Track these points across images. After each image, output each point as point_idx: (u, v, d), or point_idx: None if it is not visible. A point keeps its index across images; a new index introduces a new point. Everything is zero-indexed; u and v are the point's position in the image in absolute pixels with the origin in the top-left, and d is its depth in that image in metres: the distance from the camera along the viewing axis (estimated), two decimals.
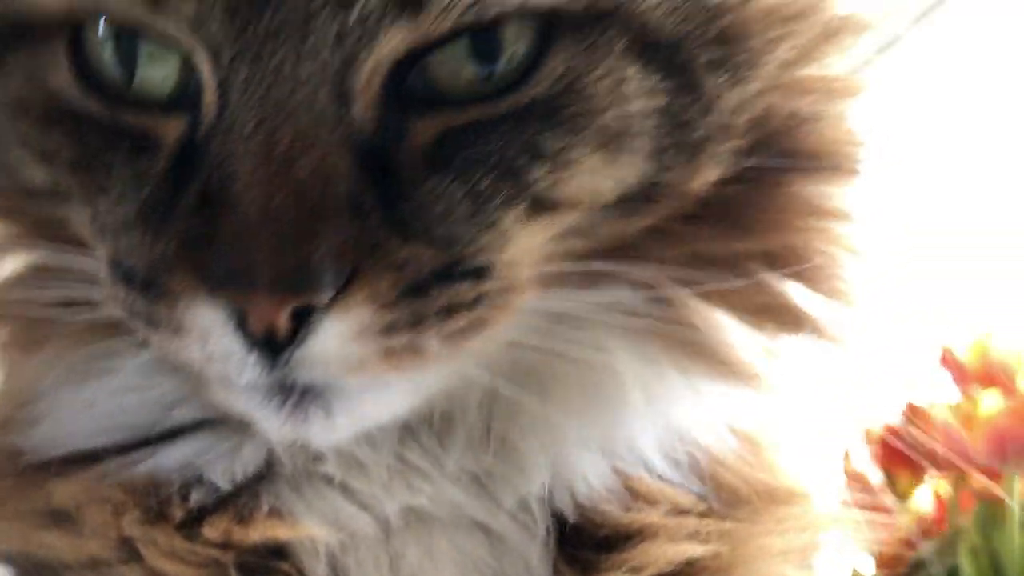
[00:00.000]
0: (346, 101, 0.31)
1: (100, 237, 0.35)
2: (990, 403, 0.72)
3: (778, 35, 0.36)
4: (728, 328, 0.39)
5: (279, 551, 0.36)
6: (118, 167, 0.34)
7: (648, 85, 0.34)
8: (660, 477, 0.39)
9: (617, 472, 0.38)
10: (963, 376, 0.81)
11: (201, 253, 0.30)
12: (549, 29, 0.33)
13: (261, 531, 0.36)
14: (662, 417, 0.39)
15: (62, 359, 0.40)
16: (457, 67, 0.33)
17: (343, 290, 0.30)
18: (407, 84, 0.32)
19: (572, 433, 0.37)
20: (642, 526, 0.38)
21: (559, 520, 0.38)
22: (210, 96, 0.32)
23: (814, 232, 0.39)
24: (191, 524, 0.37)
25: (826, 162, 0.39)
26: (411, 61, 0.32)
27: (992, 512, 0.77)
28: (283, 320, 0.30)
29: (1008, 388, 0.75)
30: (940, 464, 0.79)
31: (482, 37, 0.32)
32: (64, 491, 0.38)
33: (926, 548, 0.79)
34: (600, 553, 0.37)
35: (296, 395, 0.33)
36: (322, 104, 0.31)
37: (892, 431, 0.83)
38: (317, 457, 0.38)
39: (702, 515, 0.39)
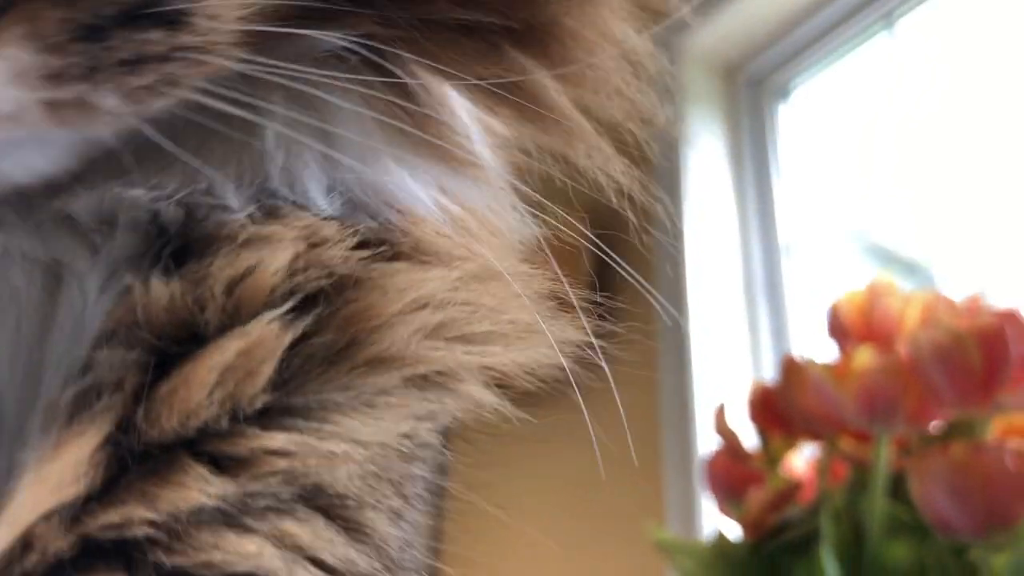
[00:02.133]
0: None
1: None
2: (863, 360, 0.68)
3: None
4: (457, 108, 0.34)
5: None
6: None
7: None
8: (326, 215, 0.33)
9: (247, 194, 0.31)
10: (844, 334, 0.77)
11: None
12: None
13: None
14: (352, 168, 0.33)
15: None
16: None
17: None
18: None
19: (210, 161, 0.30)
20: (245, 238, 0.31)
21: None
22: None
23: (562, 9, 0.33)
24: None
25: None
26: None
27: (860, 477, 0.73)
28: None
29: (886, 346, 0.71)
30: (813, 425, 0.75)
31: None
32: None
33: (791, 512, 0.75)
34: (190, 261, 0.30)
35: None
36: None
37: (766, 390, 0.79)
38: None
39: (347, 247, 0.32)
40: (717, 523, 0.84)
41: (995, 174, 1.84)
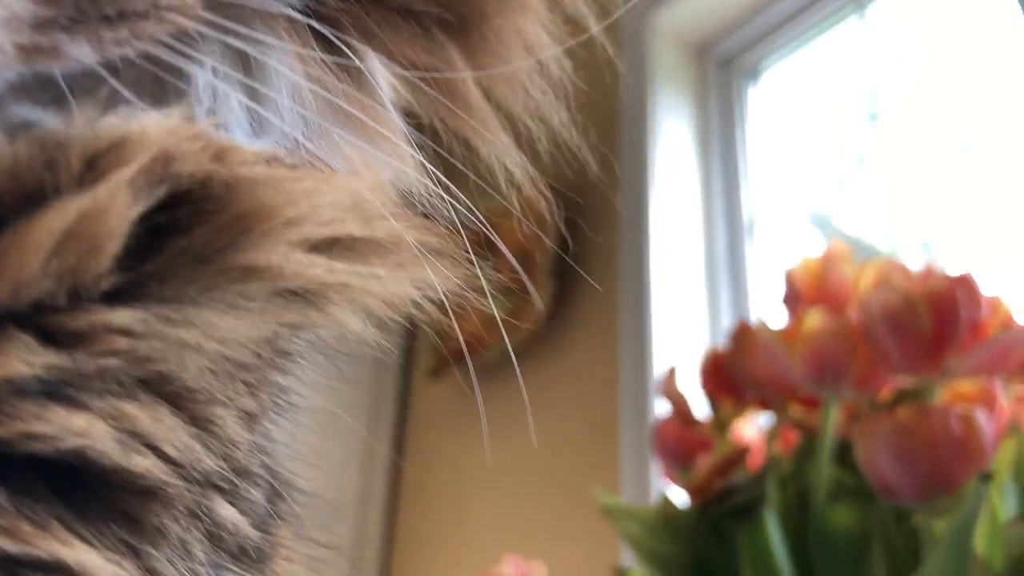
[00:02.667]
0: None
1: None
2: (813, 322, 0.67)
3: None
4: (381, 81, 0.36)
5: None
6: None
7: None
8: None
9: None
10: (798, 300, 0.76)
11: None
12: None
13: None
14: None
15: None
16: None
17: None
18: None
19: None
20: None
21: None
22: None
23: (492, 6, 0.37)
24: None
25: None
26: None
27: (809, 444, 0.72)
28: None
29: (837, 310, 0.70)
30: (763, 391, 0.74)
31: None
32: None
33: (739, 478, 0.74)
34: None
35: None
36: None
37: (717, 355, 0.78)
38: None
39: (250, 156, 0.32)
40: (669, 490, 0.83)
41: (964, 161, 1.84)
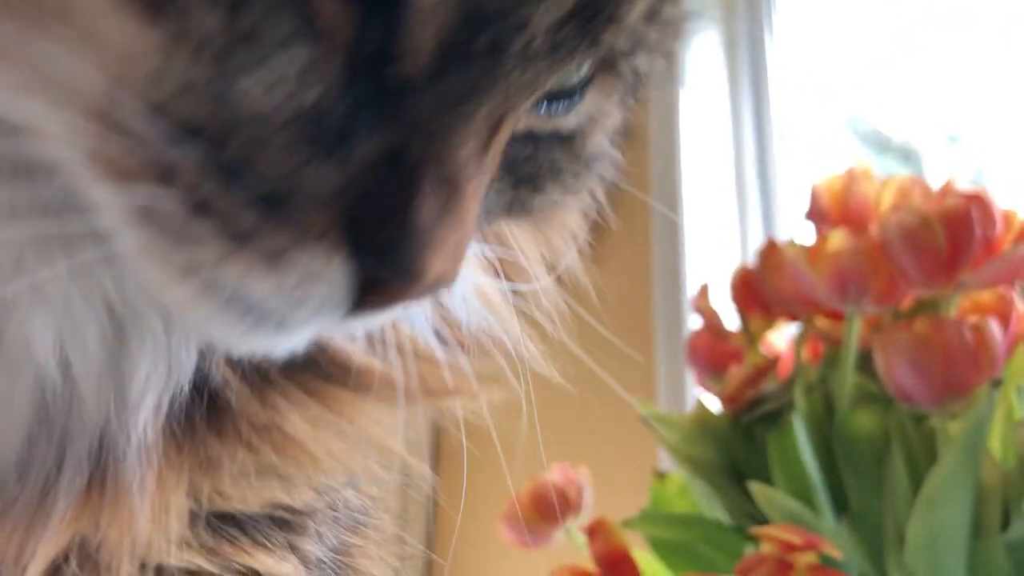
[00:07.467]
0: None
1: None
2: (836, 242, 0.71)
3: None
4: None
5: None
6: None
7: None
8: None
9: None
10: (822, 218, 0.80)
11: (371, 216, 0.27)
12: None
13: None
14: None
15: None
16: None
17: None
18: None
19: None
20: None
21: None
22: None
23: None
24: None
25: None
26: None
27: (833, 353, 0.77)
28: None
29: (860, 229, 0.74)
30: (789, 305, 0.79)
31: None
32: None
33: (768, 387, 0.80)
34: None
35: None
36: None
37: (746, 271, 0.82)
38: None
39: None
40: (703, 397, 0.88)
41: (993, 61, 1.84)
